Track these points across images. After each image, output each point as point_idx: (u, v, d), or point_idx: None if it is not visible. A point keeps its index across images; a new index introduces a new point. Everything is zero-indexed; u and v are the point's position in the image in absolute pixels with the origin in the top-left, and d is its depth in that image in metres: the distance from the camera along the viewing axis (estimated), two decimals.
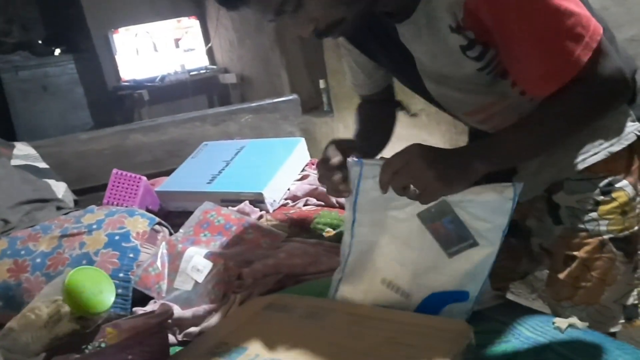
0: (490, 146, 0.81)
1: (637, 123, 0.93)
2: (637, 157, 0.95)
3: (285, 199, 1.36)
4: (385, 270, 0.86)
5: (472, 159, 0.77)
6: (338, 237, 1.29)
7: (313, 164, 1.51)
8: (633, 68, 0.88)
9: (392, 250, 0.85)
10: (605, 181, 0.94)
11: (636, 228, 0.95)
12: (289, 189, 1.39)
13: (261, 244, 1.20)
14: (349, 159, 0.82)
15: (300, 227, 1.29)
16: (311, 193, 1.39)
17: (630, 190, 0.94)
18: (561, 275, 0.98)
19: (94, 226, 1.20)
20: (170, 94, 4.74)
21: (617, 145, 0.92)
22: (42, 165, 1.58)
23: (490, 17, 0.78)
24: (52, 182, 1.52)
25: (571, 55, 0.75)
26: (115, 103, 4.85)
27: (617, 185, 0.94)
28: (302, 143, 1.48)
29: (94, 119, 4.76)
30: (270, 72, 4.04)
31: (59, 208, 1.43)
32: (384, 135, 1.09)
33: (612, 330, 0.98)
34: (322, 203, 1.38)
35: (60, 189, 1.52)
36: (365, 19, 0.87)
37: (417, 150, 0.76)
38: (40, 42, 4.74)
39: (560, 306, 1.00)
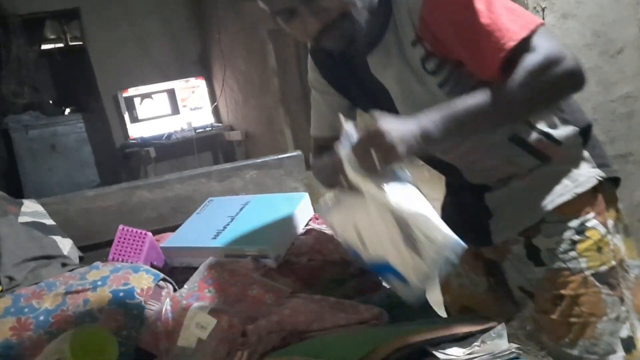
0: (440, 110, 0.88)
1: (597, 169, 1.04)
2: (602, 197, 1.04)
3: (290, 254, 1.37)
4: (359, 221, 0.96)
5: (420, 120, 0.87)
6: (343, 293, 1.29)
7: (317, 219, 1.52)
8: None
9: (369, 212, 0.93)
10: (578, 221, 1.02)
11: (613, 262, 1.03)
12: (293, 244, 1.40)
13: (265, 300, 1.20)
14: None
15: (305, 282, 1.29)
16: (315, 248, 1.39)
17: (601, 228, 1.03)
18: (554, 316, 1.04)
19: (99, 283, 1.20)
20: (177, 151, 4.83)
21: (581, 187, 1.02)
22: (49, 222, 1.59)
23: (438, 18, 0.90)
24: (58, 238, 1.53)
25: (509, 30, 0.86)
26: (122, 161, 4.93)
27: (588, 225, 1.02)
28: (306, 198, 1.49)
29: (101, 177, 4.83)
30: (274, 129, 4.12)
31: (64, 265, 1.44)
32: None
33: None
34: (327, 258, 1.38)
35: (66, 245, 1.53)
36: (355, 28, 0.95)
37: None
38: (50, 102, 4.87)
39: (560, 346, 1.04)
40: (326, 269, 1.35)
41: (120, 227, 1.36)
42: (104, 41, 4.77)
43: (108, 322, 1.12)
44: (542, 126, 1.02)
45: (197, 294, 1.22)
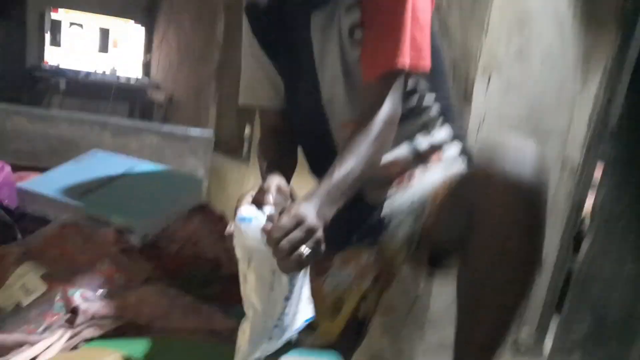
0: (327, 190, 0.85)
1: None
2: None
3: (160, 237, 1.23)
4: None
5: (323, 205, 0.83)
6: (205, 295, 1.17)
7: (203, 208, 1.40)
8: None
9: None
10: None
11: None
12: (167, 227, 1.26)
13: (114, 279, 1.05)
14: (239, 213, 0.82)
15: (166, 273, 1.16)
16: (191, 239, 1.26)
17: None
18: None
19: None
20: (91, 92, 4.48)
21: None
22: None
23: None
24: None
25: (401, 53, 0.91)
26: (27, 83, 4.49)
27: None
28: (198, 182, 1.36)
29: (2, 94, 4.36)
30: (200, 102, 3.92)
31: None
32: (290, 164, 1.10)
33: None
34: (200, 253, 1.25)
35: None
36: None
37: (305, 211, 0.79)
38: None
39: None
40: (195, 265, 1.22)
41: None
42: None
43: None
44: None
45: (38, 251, 1.05)
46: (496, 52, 1.55)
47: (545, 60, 1.63)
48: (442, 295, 1.65)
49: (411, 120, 1.04)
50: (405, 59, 0.92)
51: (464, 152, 1.11)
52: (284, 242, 0.75)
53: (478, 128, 1.59)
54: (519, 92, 1.61)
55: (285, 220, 0.77)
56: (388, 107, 0.92)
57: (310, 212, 0.79)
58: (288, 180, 1.02)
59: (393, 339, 1.72)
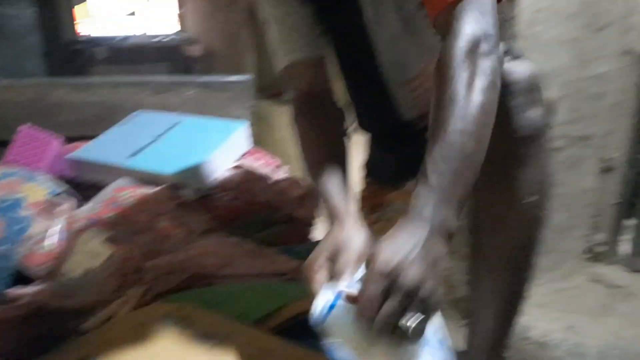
0: (435, 182, 0.61)
1: None
2: None
3: (212, 189, 1.23)
4: None
5: (434, 215, 0.59)
6: (264, 239, 1.17)
7: (253, 154, 1.38)
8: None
9: None
10: None
11: None
12: (218, 177, 1.26)
13: (173, 235, 1.07)
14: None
15: (223, 222, 1.17)
16: (243, 186, 1.26)
17: None
18: None
19: None
20: (132, 56, 4.51)
21: None
22: None
23: None
24: None
25: None
26: (69, 57, 4.56)
27: None
28: (244, 128, 1.34)
29: (48, 70, 4.45)
30: (237, 50, 3.87)
31: None
32: (343, 166, 0.86)
33: None
34: (254, 199, 1.25)
35: None
36: None
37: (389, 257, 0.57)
38: None
39: None
40: (250, 211, 1.23)
41: (21, 128, 1.18)
42: None
43: None
44: None
45: (98, 217, 1.08)
46: None
47: None
48: None
49: None
50: None
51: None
52: (378, 321, 0.56)
53: (529, 29, 1.48)
54: None
55: (372, 289, 0.56)
56: (470, 29, 0.67)
57: (405, 255, 0.56)
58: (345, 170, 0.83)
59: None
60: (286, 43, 0.93)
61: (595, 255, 1.79)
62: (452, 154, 0.61)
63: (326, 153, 0.84)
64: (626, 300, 1.63)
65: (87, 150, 1.27)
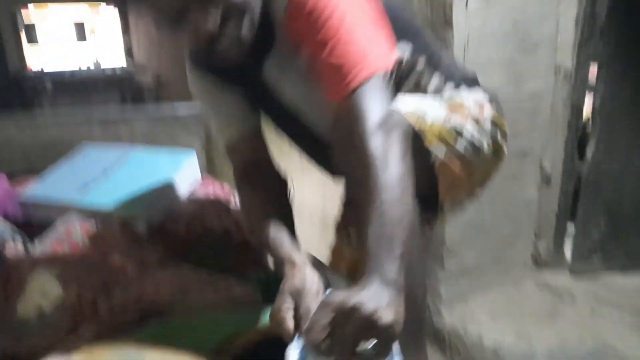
0: (375, 249, 0.69)
1: None
2: None
3: (166, 220, 1.24)
4: None
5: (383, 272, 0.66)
6: (219, 266, 1.19)
7: (206, 183, 1.40)
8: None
9: None
10: None
11: None
12: (171, 209, 1.27)
13: (127, 269, 1.07)
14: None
15: (177, 252, 1.17)
16: (196, 215, 1.27)
17: None
18: None
19: None
20: (80, 87, 4.44)
21: None
22: None
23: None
24: None
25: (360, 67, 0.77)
26: (15, 90, 4.46)
27: None
28: (192, 157, 1.36)
29: None
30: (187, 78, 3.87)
31: None
32: (287, 221, 0.95)
33: None
34: (208, 226, 1.26)
35: None
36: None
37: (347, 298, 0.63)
38: None
39: None
40: (204, 238, 1.23)
41: None
42: None
43: None
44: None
45: (48, 255, 1.07)
46: None
47: None
48: (457, 224, 1.66)
49: (403, 87, 0.95)
50: (366, 70, 0.78)
51: (462, 82, 1.01)
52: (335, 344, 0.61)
53: (464, 50, 1.56)
54: (499, 7, 1.56)
55: (322, 315, 0.63)
56: (375, 109, 0.76)
57: (356, 297, 0.63)
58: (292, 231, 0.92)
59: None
60: (222, 124, 1.04)
61: (540, 262, 1.88)
62: (385, 221, 0.69)
63: (270, 210, 0.93)
64: (571, 304, 1.71)
65: (34, 189, 1.26)
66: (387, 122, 0.76)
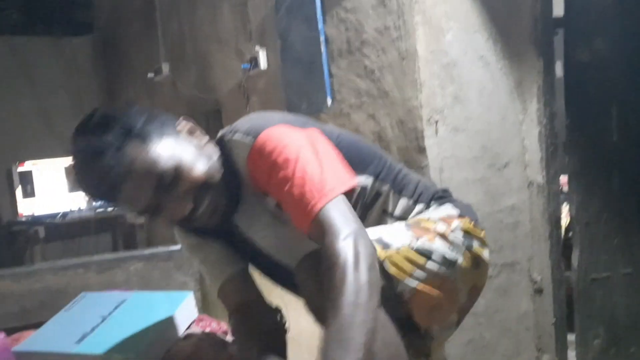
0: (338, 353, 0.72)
1: None
2: None
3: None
4: None
5: None
6: None
7: (200, 321, 1.41)
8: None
9: None
10: None
11: None
12: (169, 350, 1.27)
13: None
14: None
15: None
16: (194, 355, 1.27)
17: None
18: None
19: None
20: (72, 231, 4.49)
21: None
22: None
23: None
24: None
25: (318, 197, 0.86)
26: (7, 240, 4.50)
27: None
28: (189, 298, 1.38)
29: None
30: None
31: None
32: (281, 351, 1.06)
33: None
34: None
35: None
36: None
37: None
38: None
39: None
40: None
41: None
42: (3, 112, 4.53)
43: None
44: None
45: None
46: (434, 103, 1.65)
47: (482, 99, 1.73)
48: (457, 344, 1.65)
49: (370, 214, 1.03)
50: (325, 196, 0.87)
51: (432, 200, 1.07)
52: None
53: (440, 172, 1.67)
54: (466, 133, 1.70)
55: None
56: (340, 227, 0.83)
57: None
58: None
59: None
60: (212, 274, 1.14)
61: None
62: (349, 325, 0.74)
63: (262, 347, 1.02)
64: None
65: (32, 341, 1.26)
66: (355, 232, 0.82)
